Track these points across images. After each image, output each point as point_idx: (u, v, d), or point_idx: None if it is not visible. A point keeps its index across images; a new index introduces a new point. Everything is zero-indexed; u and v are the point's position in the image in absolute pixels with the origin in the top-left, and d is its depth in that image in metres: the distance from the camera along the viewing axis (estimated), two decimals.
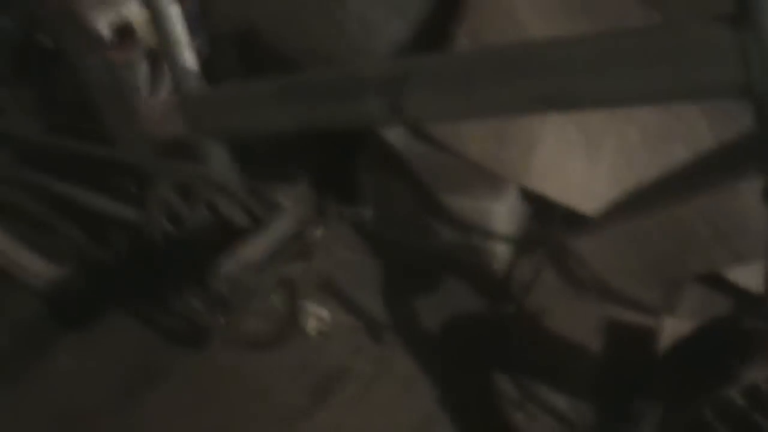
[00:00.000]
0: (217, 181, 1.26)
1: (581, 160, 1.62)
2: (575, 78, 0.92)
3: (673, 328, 1.53)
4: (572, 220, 1.66)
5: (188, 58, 1.32)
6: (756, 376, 0.98)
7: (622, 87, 0.90)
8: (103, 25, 1.91)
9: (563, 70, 0.92)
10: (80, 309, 1.80)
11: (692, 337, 1.04)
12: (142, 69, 1.97)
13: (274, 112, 1.20)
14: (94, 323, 1.76)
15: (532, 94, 0.96)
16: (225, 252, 1.21)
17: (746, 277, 1.59)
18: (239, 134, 1.32)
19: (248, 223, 1.28)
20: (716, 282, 1.62)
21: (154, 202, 1.35)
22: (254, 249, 1.20)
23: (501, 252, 1.72)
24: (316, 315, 1.75)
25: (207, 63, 2.08)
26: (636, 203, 1.60)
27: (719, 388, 1.01)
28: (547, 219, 1.69)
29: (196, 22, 2.12)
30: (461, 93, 1.01)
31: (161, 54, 1.49)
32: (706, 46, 0.82)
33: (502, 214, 1.67)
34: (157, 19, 1.31)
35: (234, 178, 1.33)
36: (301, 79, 1.18)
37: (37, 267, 1.83)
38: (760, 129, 0.83)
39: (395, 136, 1.77)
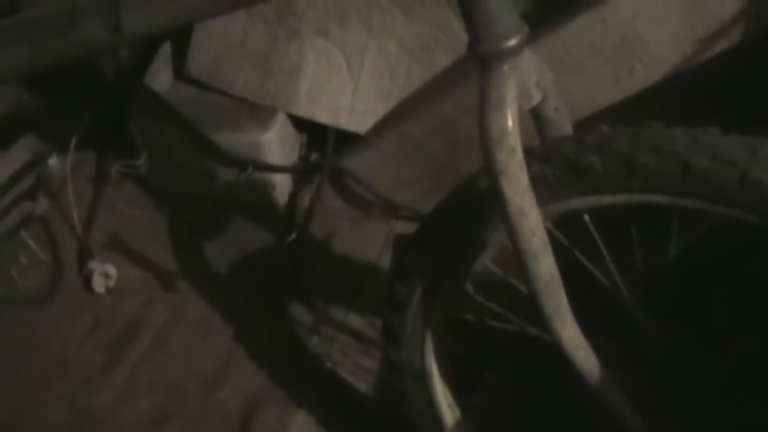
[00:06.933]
0: None
1: (345, 80, 1.63)
2: None
3: None
4: (346, 141, 1.67)
5: None
6: (502, 239, 0.98)
7: None
8: None
9: None
10: None
11: (435, 213, 1.05)
12: None
13: None
14: None
15: None
16: None
17: None
18: None
19: None
20: None
21: None
22: None
23: (279, 183, 1.71)
24: (104, 272, 1.72)
25: None
26: (401, 113, 1.63)
27: (474, 258, 1.02)
28: (322, 144, 1.69)
29: None
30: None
31: None
32: None
33: (274, 145, 1.66)
34: None
35: None
36: (17, 19, 1.13)
37: None
38: None
39: (160, 82, 1.74)
